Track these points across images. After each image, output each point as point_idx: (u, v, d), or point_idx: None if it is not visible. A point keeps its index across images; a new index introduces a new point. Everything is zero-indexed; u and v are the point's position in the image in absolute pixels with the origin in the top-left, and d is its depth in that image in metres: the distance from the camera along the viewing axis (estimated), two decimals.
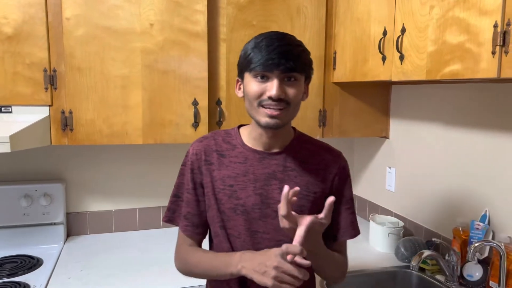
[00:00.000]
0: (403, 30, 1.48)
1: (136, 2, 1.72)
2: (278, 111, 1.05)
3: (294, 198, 1.01)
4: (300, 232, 0.99)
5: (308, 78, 1.14)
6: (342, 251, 1.22)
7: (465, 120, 1.68)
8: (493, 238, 1.54)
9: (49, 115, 1.71)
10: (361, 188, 2.43)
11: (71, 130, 1.72)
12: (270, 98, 1.04)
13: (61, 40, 1.68)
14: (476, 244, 1.39)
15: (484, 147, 1.59)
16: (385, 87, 2.12)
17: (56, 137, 1.73)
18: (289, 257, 0.97)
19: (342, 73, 1.93)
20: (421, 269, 1.69)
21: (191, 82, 1.80)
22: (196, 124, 1.82)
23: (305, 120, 2.01)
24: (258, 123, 1.10)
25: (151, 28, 1.74)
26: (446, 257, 1.60)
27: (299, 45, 1.09)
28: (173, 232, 2.11)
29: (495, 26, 1.11)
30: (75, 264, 1.76)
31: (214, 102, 1.88)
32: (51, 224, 1.98)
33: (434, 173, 1.85)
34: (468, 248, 1.58)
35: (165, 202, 2.18)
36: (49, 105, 1.71)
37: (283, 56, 1.02)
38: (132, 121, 1.77)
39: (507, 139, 1.50)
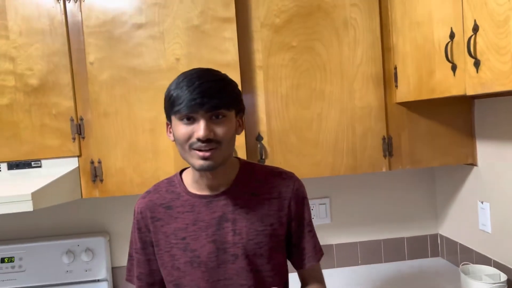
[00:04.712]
0: (475, 29, 1.12)
1: (160, 37, 1.57)
2: (210, 151, 1.00)
3: None
4: None
5: (240, 112, 1.08)
6: (318, 276, 1.17)
7: None
8: None
9: (78, 166, 1.60)
10: (448, 227, 1.98)
11: (101, 181, 1.59)
12: (198, 140, 0.99)
13: (86, 86, 1.59)
14: None
15: None
16: (465, 102, 1.72)
17: (87, 189, 1.61)
18: None
19: (405, 91, 1.59)
20: None
21: None
22: None
23: (365, 150, 1.68)
24: (193, 167, 1.04)
25: (178, 63, 1.58)
26: None
27: (223, 79, 1.03)
28: None
29: None
30: None
31: (254, 138, 1.64)
32: (94, 281, 1.85)
33: None
34: None
35: None
36: (78, 156, 1.60)
37: (205, 94, 0.97)
38: (163, 166, 1.59)
39: None
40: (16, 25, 1.55)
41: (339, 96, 1.66)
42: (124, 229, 1.94)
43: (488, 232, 1.68)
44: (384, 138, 1.68)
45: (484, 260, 1.70)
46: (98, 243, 1.85)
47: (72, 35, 1.59)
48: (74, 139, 1.59)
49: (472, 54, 1.13)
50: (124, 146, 1.59)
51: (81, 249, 1.83)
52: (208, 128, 0.98)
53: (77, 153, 1.60)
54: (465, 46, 1.17)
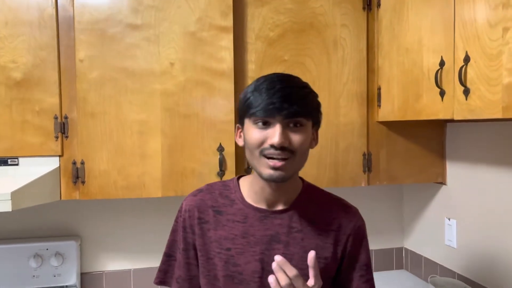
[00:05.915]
0: (466, 59, 1.22)
1: (155, 40, 1.56)
2: (282, 161, 0.93)
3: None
4: None
5: (316, 124, 1.02)
6: None
7: None
8: None
9: (59, 166, 1.54)
10: (414, 241, 2.10)
11: (83, 182, 1.53)
12: (272, 146, 0.92)
13: (74, 84, 1.53)
14: None
15: None
16: (438, 125, 1.84)
17: (67, 191, 1.54)
18: None
19: (389, 111, 1.68)
20: None
21: (216, 125, 1.60)
22: (222, 173, 1.60)
23: (346, 165, 1.74)
24: (260, 175, 0.97)
25: (172, 67, 1.57)
26: None
27: (304, 86, 0.99)
28: None
29: None
30: None
31: (243, 148, 1.65)
32: (63, 287, 1.76)
33: (508, 227, 1.52)
34: None
35: None
36: (59, 156, 1.54)
37: (286, 99, 0.91)
38: (150, 171, 1.56)
39: None
40: (1, 15, 1.47)
41: (326, 111, 1.69)
42: (97, 233, 1.87)
43: (453, 247, 1.80)
44: (364, 154, 1.76)
45: (448, 273, 1.82)
46: (69, 247, 1.77)
47: (62, 30, 1.53)
48: (57, 137, 1.52)
49: (462, 83, 1.23)
50: (110, 148, 1.55)
51: (50, 253, 1.74)
52: (284, 135, 0.91)
53: (59, 153, 1.53)
54: (454, 75, 1.27)
